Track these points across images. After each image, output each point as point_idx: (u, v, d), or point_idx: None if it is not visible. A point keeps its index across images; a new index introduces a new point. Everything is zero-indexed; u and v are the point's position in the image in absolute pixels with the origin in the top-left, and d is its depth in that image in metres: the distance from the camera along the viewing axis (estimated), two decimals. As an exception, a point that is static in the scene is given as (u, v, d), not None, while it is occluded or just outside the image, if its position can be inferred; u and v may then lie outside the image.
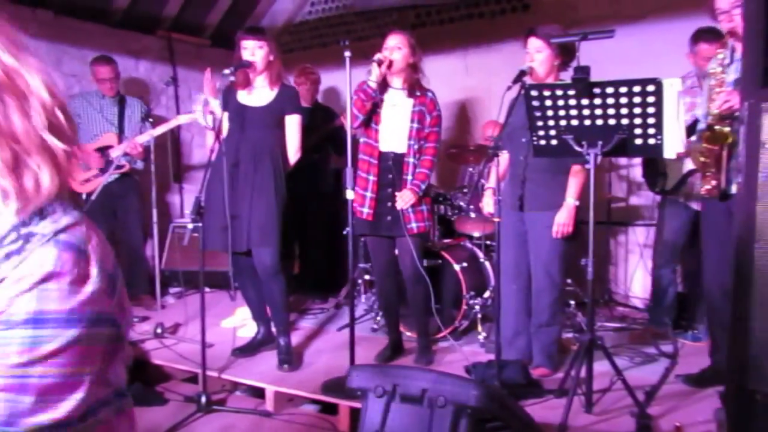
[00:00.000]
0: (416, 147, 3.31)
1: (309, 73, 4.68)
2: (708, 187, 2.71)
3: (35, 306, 0.77)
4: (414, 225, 3.32)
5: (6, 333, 0.76)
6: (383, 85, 3.31)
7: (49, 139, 0.83)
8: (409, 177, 3.30)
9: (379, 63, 3.19)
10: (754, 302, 1.50)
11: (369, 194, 3.33)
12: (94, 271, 0.83)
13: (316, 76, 4.76)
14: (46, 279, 0.78)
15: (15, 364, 0.76)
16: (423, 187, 3.31)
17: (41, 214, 0.82)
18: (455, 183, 5.16)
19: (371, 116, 3.32)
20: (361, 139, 3.40)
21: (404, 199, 3.26)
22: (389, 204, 3.31)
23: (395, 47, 3.26)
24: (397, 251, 3.45)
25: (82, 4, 4.86)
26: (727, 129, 2.60)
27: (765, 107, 1.44)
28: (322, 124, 4.68)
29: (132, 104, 4.61)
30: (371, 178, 3.33)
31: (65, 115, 0.87)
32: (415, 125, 3.31)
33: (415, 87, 3.33)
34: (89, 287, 0.82)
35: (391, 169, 3.32)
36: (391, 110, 3.34)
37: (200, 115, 3.42)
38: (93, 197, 4.02)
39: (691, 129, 3.00)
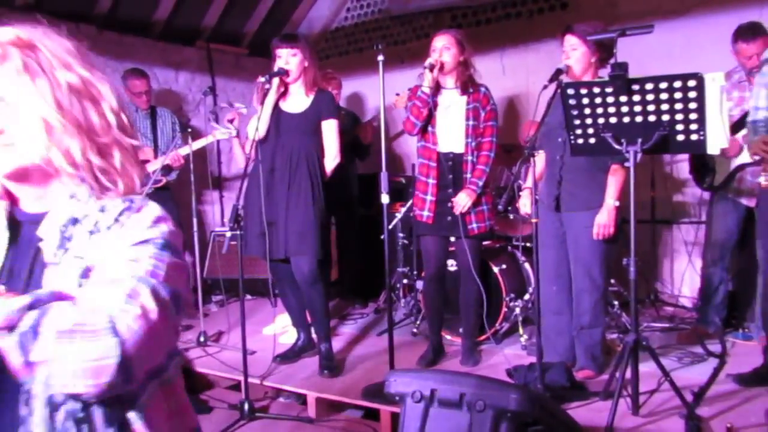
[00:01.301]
0: (474, 144, 3.30)
1: (330, 78, 4.59)
2: (765, 180, 2.63)
3: (158, 234, 0.99)
4: (475, 225, 3.31)
5: (143, 247, 0.97)
6: (435, 86, 3.30)
7: (120, 135, 1.04)
8: (469, 175, 3.29)
9: (431, 68, 3.18)
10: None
11: (429, 197, 3.32)
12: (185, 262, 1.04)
13: (337, 80, 4.73)
14: (159, 220, 1.01)
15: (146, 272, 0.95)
16: (480, 184, 3.29)
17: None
18: (494, 184, 5.12)
19: (428, 120, 3.31)
20: (418, 144, 3.39)
21: (461, 203, 3.26)
22: (449, 205, 3.30)
23: (444, 48, 3.24)
24: (453, 250, 3.43)
25: (123, 17, 4.99)
26: None
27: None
28: (347, 129, 4.69)
29: (162, 115, 4.69)
30: (431, 181, 3.32)
31: (127, 118, 1.07)
32: (471, 122, 3.29)
33: (468, 84, 3.31)
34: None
35: (450, 169, 3.31)
36: (445, 111, 3.32)
37: (224, 130, 3.48)
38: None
39: (739, 123, 2.91)
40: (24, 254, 1.02)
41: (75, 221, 0.99)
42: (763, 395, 2.61)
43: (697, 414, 2.46)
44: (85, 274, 0.96)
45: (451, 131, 3.31)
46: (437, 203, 3.31)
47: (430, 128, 3.31)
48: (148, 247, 0.97)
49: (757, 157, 2.70)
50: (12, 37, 0.99)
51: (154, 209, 1.02)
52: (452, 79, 3.32)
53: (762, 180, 2.66)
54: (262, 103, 3.33)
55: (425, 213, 3.33)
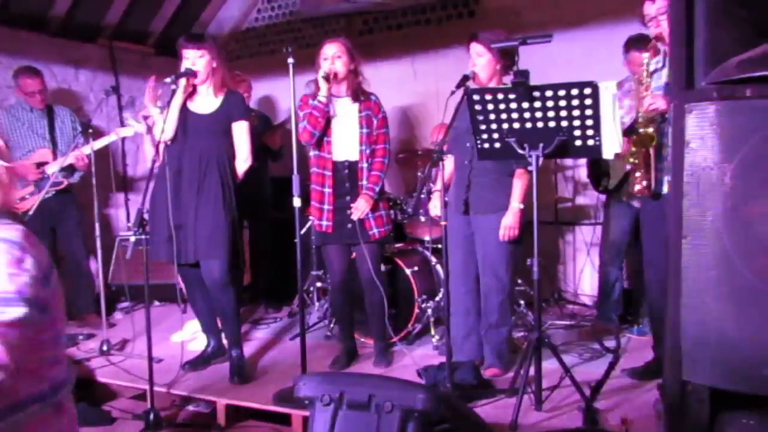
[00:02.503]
0: (368, 152, 3.32)
1: (240, 81, 4.49)
2: (639, 187, 2.84)
3: None
4: (375, 231, 3.33)
5: None
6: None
7: None
8: (365, 182, 3.30)
9: (327, 78, 3.17)
10: (685, 296, 1.55)
11: (326, 206, 3.31)
12: (29, 260, 1.02)
13: (248, 82, 4.67)
14: None
15: None
16: (377, 190, 3.32)
17: None
18: (406, 188, 5.19)
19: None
20: (312, 153, 3.37)
21: (360, 209, 3.27)
22: (348, 212, 3.30)
23: (335, 56, 3.25)
24: (354, 257, 3.44)
25: (18, 12, 4.71)
26: (651, 131, 2.73)
27: (688, 108, 1.50)
28: (259, 131, 4.62)
29: (60, 114, 4.46)
30: (327, 190, 3.31)
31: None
32: (365, 130, 3.31)
33: (358, 92, 3.33)
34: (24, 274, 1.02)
35: (346, 177, 3.32)
36: (339, 119, 3.32)
37: (134, 123, 3.36)
38: (30, 214, 3.88)
39: (630, 129, 3.08)
40: None
41: None
42: (654, 388, 2.77)
43: (595, 407, 2.60)
44: None
45: (346, 139, 3.32)
46: (335, 211, 3.32)
47: (324, 138, 3.31)
48: None
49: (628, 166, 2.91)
50: None
51: None
52: (343, 88, 3.33)
53: (637, 187, 2.85)
54: (154, 102, 3.25)
55: (324, 222, 3.33)
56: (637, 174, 2.83)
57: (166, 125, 3.18)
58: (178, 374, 3.32)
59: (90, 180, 3.83)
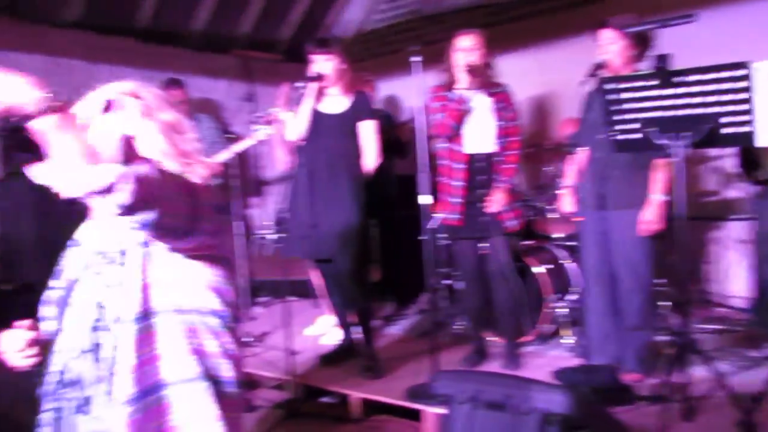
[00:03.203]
0: (503, 144, 3.28)
1: (365, 81, 4.55)
2: None
3: None
4: (510, 223, 3.28)
5: None
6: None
7: (199, 156, 1.51)
8: (499, 175, 3.27)
9: (468, 70, 3.15)
10: None
11: (456, 200, 3.29)
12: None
13: (372, 83, 4.73)
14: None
15: None
16: (513, 182, 3.27)
17: None
18: (532, 183, 5.05)
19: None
20: (442, 146, 3.36)
21: (497, 202, 3.23)
22: (480, 206, 3.27)
23: (470, 48, 3.22)
24: (487, 251, 3.41)
25: (161, 29, 5.10)
26: None
27: None
28: (384, 130, 4.67)
29: (203, 121, 4.78)
30: (458, 183, 3.29)
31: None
32: (500, 122, 3.27)
33: (491, 84, 3.29)
34: None
35: (480, 170, 3.29)
36: (474, 112, 3.29)
37: (267, 127, 3.53)
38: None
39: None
40: None
41: None
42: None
43: (754, 421, 2.38)
44: None
45: (481, 132, 3.28)
46: (466, 205, 3.28)
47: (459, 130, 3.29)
48: None
49: None
50: (128, 89, 1.47)
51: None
52: (479, 80, 3.29)
53: None
54: (286, 107, 3.40)
55: (453, 216, 3.30)
56: None
57: (298, 127, 3.31)
58: (313, 367, 3.44)
59: (229, 182, 4.07)
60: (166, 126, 1.47)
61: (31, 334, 1.45)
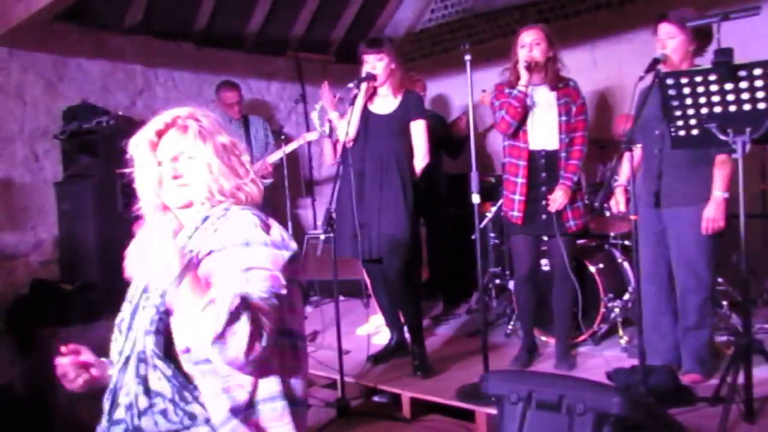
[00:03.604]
0: (567, 140, 3.22)
1: (415, 81, 4.52)
2: None
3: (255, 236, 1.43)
4: (572, 223, 3.23)
5: (247, 249, 1.40)
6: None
7: (254, 176, 1.60)
8: (562, 172, 3.22)
9: (529, 66, 3.12)
10: None
11: (518, 197, 3.25)
12: (275, 230, 1.49)
13: (422, 82, 4.71)
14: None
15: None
16: (575, 180, 3.21)
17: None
18: (588, 181, 4.96)
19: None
20: (506, 143, 3.32)
21: (557, 200, 3.18)
22: (542, 203, 3.23)
23: (533, 43, 3.17)
24: (545, 249, 3.36)
25: (219, 33, 5.23)
26: None
27: None
28: (434, 130, 4.67)
29: (255, 123, 4.86)
30: (520, 180, 3.24)
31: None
32: (564, 118, 3.21)
33: (557, 79, 3.24)
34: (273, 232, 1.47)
35: (543, 167, 3.24)
36: (537, 108, 3.24)
37: (317, 121, 3.57)
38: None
39: None
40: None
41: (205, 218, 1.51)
42: None
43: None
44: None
45: (545, 128, 3.22)
46: (527, 202, 3.24)
47: (521, 126, 3.25)
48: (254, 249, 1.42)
49: None
50: (186, 113, 1.54)
51: (247, 213, 1.50)
52: (541, 76, 3.24)
53: None
54: (333, 107, 3.44)
55: (514, 213, 3.26)
56: None
57: (350, 127, 3.34)
58: (364, 366, 3.47)
59: (282, 182, 4.14)
60: (222, 148, 1.53)
61: (83, 359, 1.55)
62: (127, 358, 1.44)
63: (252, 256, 1.39)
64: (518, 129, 3.23)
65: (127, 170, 1.57)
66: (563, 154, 3.22)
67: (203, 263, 1.41)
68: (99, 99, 4.54)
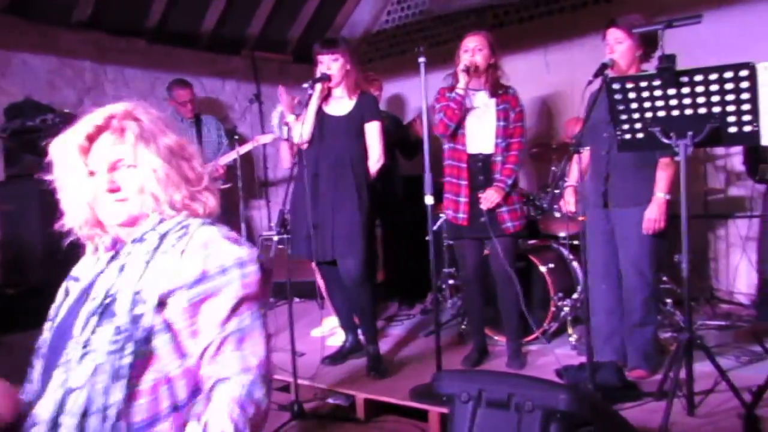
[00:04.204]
0: (504, 145, 3.28)
1: (372, 80, 4.56)
2: None
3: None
4: (510, 224, 3.28)
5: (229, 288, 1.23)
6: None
7: (209, 182, 1.36)
8: (498, 175, 3.27)
9: (467, 70, 3.17)
10: None
11: (462, 199, 3.30)
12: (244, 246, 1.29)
13: (379, 82, 4.73)
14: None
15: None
16: (509, 182, 3.27)
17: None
18: (539, 183, 5.06)
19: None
20: (447, 146, 3.38)
21: (488, 199, 3.23)
22: (481, 206, 3.28)
23: (476, 49, 3.23)
24: (488, 252, 3.41)
25: (172, 30, 5.13)
26: None
27: None
28: (389, 131, 4.68)
29: (208, 122, 4.79)
30: (462, 182, 3.30)
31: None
32: (501, 123, 3.27)
33: (496, 86, 3.29)
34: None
35: (481, 170, 3.30)
36: (476, 112, 3.31)
37: (276, 126, 3.54)
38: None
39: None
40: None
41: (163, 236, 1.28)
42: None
43: (756, 414, 2.39)
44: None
45: (482, 133, 3.29)
46: (471, 204, 3.29)
47: (459, 130, 3.30)
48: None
49: None
50: (122, 111, 1.30)
51: (208, 230, 1.31)
52: (481, 81, 3.29)
53: None
54: (290, 109, 3.43)
55: (460, 215, 3.31)
56: None
57: (304, 128, 3.32)
58: (318, 368, 3.45)
59: (235, 183, 4.09)
60: (168, 151, 1.30)
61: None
62: (56, 420, 1.17)
63: (239, 304, 1.23)
64: (457, 132, 3.28)
65: (47, 177, 1.36)
66: (499, 158, 3.28)
67: (179, 301, 1.20)
68: (44, 96, 4.41)
